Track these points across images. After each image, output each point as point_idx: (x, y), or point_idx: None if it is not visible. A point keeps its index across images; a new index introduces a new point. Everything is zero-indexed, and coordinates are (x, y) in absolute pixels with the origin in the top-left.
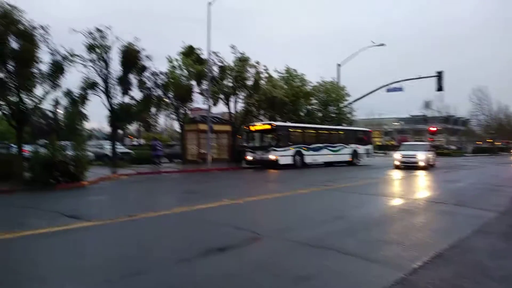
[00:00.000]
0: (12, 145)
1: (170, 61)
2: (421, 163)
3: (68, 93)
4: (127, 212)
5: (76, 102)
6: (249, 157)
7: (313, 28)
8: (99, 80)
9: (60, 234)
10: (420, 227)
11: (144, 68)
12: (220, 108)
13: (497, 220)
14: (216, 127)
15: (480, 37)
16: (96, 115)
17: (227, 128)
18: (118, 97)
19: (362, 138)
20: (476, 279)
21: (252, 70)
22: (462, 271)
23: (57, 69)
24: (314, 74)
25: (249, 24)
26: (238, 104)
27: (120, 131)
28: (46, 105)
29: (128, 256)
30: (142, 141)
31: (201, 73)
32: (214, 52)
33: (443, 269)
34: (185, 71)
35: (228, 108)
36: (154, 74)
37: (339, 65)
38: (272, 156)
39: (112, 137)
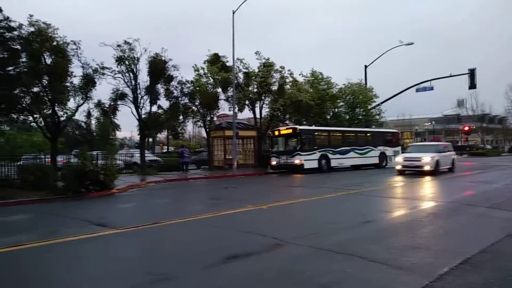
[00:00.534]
0: (47, 156)
1: (196, 70)
2: (427, 167)
3: (99, 104)
4: (154, 219)
5: (107, 112)
6: (274, 162)
7: (339, 31)
8: (128, 91)
9: (87, 241)
10: (449, 231)
11: (171, 78)
12: (245, 114)
13: None
14: (242, 133)
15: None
16: (128, 124)
17: (253, 133)
18: (147, 107)
19: (391, 139)
20: (506, 286)
21: (277, 75)
22: (491, 277)
23: (88, 82)
24: (341, 77)
25: (275, 33)
26: (263, 109)
27: (149, 140)
28: (79, 117)
29: (153, 262)
30: (171, 149)
31: (226, 80)
32: (239, 59)
33: (470, 276)
34: (211, 79)
35: (254, 113)
36: (180, 83)
37: (366, 66)
38: (297, 161)
39: (141, 145)
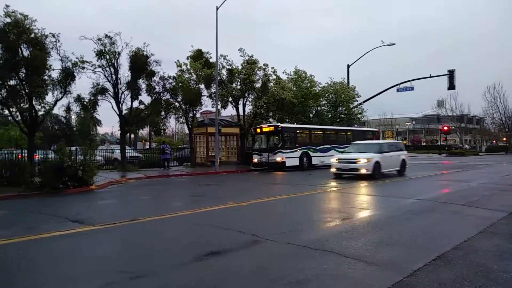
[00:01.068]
0: (24, 151)
1: (179, 65)
2: (363, 171)
3: (79, 99)
4: (132, 216)
5: (87, 107)
6: (256, 160)
7: (325, 33)
8: (108, 86)
9: (63, 238)
10: (424, 229)
11: (153, 73)
12: (229, 111)
13: (506, 220)
14: (225, 130)
15: (494, 36)
16: (109, 120)
17: (236, 130)
18: (128, 102)
19: (371, 138)
20: (477, 282)
21: (260, 73)
22: (463, 273)
23: (67, 76)
24: (326, 77)
25: (260, 31)
26: (247, 107)
27: (132, 135)
28: (59, 111)
29: (129, 259)
30: (153, 145)
31: (209, 76)
32: (222, 56)
33: (443, 272)
34: (194, 75)
35: (237, 110)
36: (163, 78)
37: (348, 65)
38: (278, 158)
39: (122, 141)
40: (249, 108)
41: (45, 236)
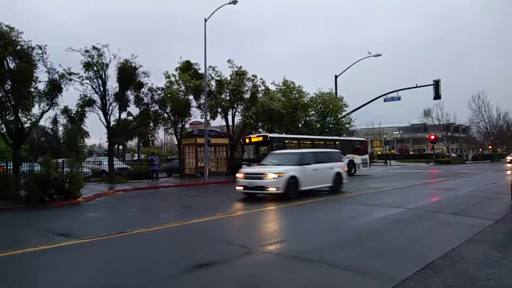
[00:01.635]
0: (10, 163)
1: (168, 77)
2: (272, 189)
3: (66, 111)
4: (119, 229)
5: (74, 119)
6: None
7: (313, 44)
8: (96, 97)
9: (48, 252)
10: (413, 237)
11: (141, 85)
12: (218, 122)
13: (492, 228)
14: (214, 140)
15: (481, 48)
16: (97, 131)
17: (225, 141)
18: (116, 114)
19: (359, 148)
20: None
21: (249, 84)
22: (450, 281)
23: (54, 88)
24: (314, 88)
25: (248, 43)
26: (236, 117)
27: (120, 147)
28: (45, 123)
29: (115, 273)
30: (142, 156)
31: (198, 87)
32: (211, 67)
33: (431, 280)
34: (183, 86)
35: (226, 121)
36: (151, 89)
37: (336, 76)
38: None
39: (110, 153)
40: (238, 118)
41: (29, 250)
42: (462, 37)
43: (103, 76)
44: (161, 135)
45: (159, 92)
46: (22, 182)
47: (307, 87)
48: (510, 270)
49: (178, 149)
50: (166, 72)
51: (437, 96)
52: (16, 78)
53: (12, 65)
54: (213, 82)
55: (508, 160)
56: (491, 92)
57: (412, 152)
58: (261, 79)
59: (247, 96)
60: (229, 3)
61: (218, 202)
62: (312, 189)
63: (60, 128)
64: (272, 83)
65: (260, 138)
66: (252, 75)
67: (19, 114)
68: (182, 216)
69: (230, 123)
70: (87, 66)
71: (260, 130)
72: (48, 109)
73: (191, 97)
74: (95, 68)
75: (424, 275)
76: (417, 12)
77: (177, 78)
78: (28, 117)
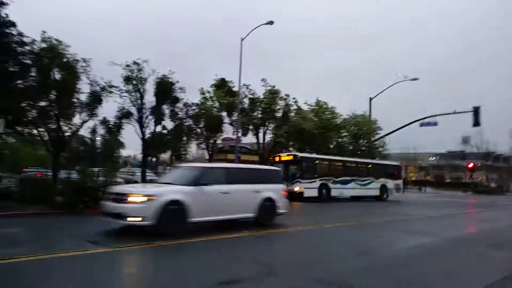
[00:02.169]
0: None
1: (203, 93)
2: (135, 218)
3: (104, 122)
4: (147, 240)
5: (112, 130)
6: None
7: (343, 61)
8: (133, 110)
9: (78, 259)
10: (445, 270)
11: (177, 99)
12: (249, 139)
13: None
14: (244, 157)
15: None
16: (133, 143)
17: (255, 158)
18: (151, 127)
19: (392, 172)
20: None
21: (281, 103)
22: None
23: (95, 99)
24: (345, 108)
25: (279, 63)
26: (267, 135)
27: (153, 159)
28: (84, 133)
29: (144, 280)
30: None
31: (231, 104)
32: (245, 85)
33: None
34: (217, 102)
35: (257, 138)
36: (186, 105)
37: (371, 98)
38: (296, 188)
39: (143, 164)
40: (269, 136)
41: (61, 255)
42: (507, 63)
43: (141, 90)
44: (193, 150)
45: (193, 107)
46: (59, 189)
47: (340, 108)
48: None
49: None
50: (202, 88)
51: (476, 123)
52: (61, 88)
53: (58, 76)
54: (246, 100)
55: None
56: None
57: (448, 180)
58: (294, 98)
59: (279, 114)
60: (266, 23)
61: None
62: (217, 220)
63: (98, 138)
64: (304, 103)
65: (290, 157)
66: (285, 95)
67: (61, 123)
68: (203, 232)
69: (261, 140)
70: (127, 79)
71: (290, 149)
72: (88, 120)
73: (224, 113)
74: (134, 82)
75: None
76: (463, 35)
77: (211, 94)
78: (69, 126)
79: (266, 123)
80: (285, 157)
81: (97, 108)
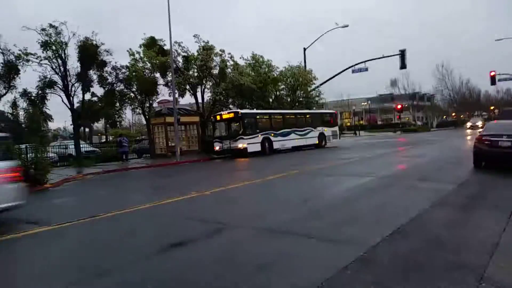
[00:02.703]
0: None
1: (132, 54)
2: None
3: (25, 94)
4: (91, 213)
5: (35, 102)
6: (217, 147)
7: (278, 13)
8: (57, 78)
9: (18, 240)
10: (382, 204)
11: (104, 63)
12: (187, 99)
13: (455, 192)
14: (184, 119)
15: (441, 21)
16: (61, 114)
17: (195, 119)
18: (79, 95)
19: (329, 120)
20: (430, 251)
21: (217, 59)
22: (417, 244)
23: (10, 69)
24: (281, 60)
25: (214, 15)
26: (205, 94)
27: (86, 129)
28: (4, 108)
29: (89, 258)
30: (110, 138)
31: (164, 64)
32: (177, 43)
33: (399, 244)
34: (148, 63)
35: (196, 98)
36: (115, 68)
37: (305, 49)
38: (240, 145)
39: (76, 136)
40: (208, 95)
41: None
42: (429, 11)
43: (63, 55)
44: (129, 116)
45: (123, 70)
46: None
47: (276, 60)
48: (473, 230)
49: (147, 129)
50: (130, 49)
51: (403, 65)
52: None
53: None
54: (179, 59)
55: (469, 126)
56: (454, 61)
57: (380, 122)
58: (229, 53)
59: (215, 71)
60: None
61: (192, 180)
62: None
63: (21, 112)
64: (240, 58)
65: (231, 115)
66: (220, 50)
67: None
68: (155, 196)
69: (200, 100)
70: (45, 45)
71: (230, 106)
72: (6, 93)
73: (157, 74)
74: (54, 48)
75: (393, 240)
76: None
77: (141, 55)
78: None
79: (203, 81)
80: (226, 115)
81: (14, 79)
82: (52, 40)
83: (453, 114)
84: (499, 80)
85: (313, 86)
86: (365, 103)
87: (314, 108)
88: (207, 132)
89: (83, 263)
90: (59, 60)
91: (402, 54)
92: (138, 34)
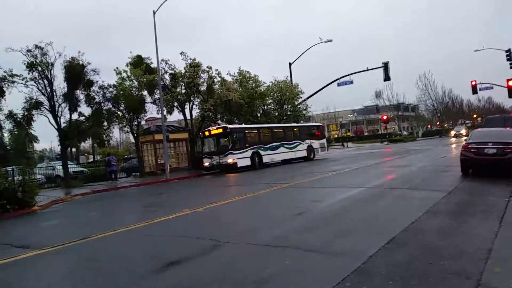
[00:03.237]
0: None
1: (119, 73)
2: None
3: (11, 115)
4: (82, 234)
5: (21, 124)
6: (207, 163)
7: (264, 32)
8: (43, 99)
9: (6, 267)
10: (375, 215)
11: (91, 83)
12: (176, 116)
13: (446, 199)
14: (173, 136)
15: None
16: (47, 135)
17: (184, 135)
18: (66, 115)
19: (315, 133)
20: (426, 259)
21: (204, 75)
22: (413, 253)
23: None
24: (269, 75)
25: (200, 33)
26: (194, 110)
27: (73, 149)
28: None
29: (83, 280)
30: (98, 158)
31: (152, 82)
32: (164, 60)
33: (396, 253)
34: (135, 81)
35: (184, 115)
36: (102, 87)
37: (290, 63)
38: (230, 160)
39: (63, 157)
40: (196, 111)
41: None
42: (400, 19)
43: (49, 76)
44: (117, 134)
45: (111, 89)
46: None
47: (263, 75)
48: (466, 237)
49: (136, 148)
50: (117, 68)
51: (386, 77)
52: None
53: None
54: (167, 76)
55: (453, 134)
56: (436, 71)
57: (366, 133)
58: (217, 70)
59: (203, 88)
60: None
61: (183, 197)
62: None
63: (6, 134)
64: (228, 74)
65: (220, 130)
66: (207, 67)
67: None
68: (147, 215)
69: (188, 116)
70: (31, 66)
71: (219, 122)
72: None
73: (145, 92)
74: (40, 68)
75: (389, 250)
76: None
77: (129, 73)
78: None
79: (191, 98)
80: (214, 130)
81: None
82: (38, 61)
83: (438, 123)
84: (480, 89)
85: (300, 100)
86: (352, 115)
87: (301, 121)
88: (196, 149)
89: (78, 285)
90: (45, 80)
91: (386, 66)
92: (125, 53)
